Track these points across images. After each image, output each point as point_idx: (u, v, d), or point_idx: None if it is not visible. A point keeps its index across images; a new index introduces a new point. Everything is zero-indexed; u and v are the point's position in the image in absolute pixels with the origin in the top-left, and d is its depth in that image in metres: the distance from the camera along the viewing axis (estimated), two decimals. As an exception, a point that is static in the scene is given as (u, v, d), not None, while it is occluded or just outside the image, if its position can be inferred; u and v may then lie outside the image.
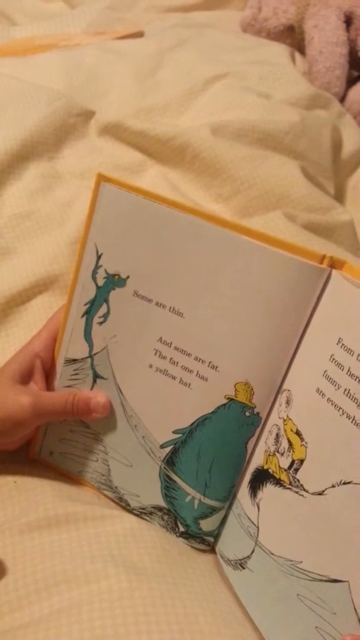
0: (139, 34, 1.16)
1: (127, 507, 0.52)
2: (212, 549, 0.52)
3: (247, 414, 0.46)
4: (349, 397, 0.38)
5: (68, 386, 0.53)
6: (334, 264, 0.42)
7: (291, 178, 0.76)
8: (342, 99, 1.04)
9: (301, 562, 0.41)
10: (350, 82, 1.06)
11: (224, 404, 0.46)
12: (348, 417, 0.38)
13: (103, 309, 0.50)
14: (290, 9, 1.11)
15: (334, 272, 0.42)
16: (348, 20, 1.05)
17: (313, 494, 0.41)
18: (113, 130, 0.85)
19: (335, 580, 0.39)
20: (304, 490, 0.41)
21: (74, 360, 0.52)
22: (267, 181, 0.76)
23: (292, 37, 1.13)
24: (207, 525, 0.50)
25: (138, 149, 0.84)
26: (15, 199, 0.74)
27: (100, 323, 0.50)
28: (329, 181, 0.85)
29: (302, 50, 1.11)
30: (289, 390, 0.44)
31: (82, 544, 0.47)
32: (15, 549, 0.47)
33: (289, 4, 1.12)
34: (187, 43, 1.03)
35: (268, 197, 0.75)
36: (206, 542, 0.51)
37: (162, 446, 0.50)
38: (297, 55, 1.10)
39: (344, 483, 0.38)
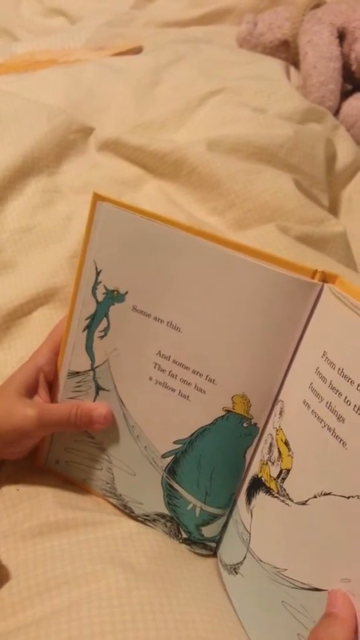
0: (138, 49, 1.18)
1: (131, 514, 0.53)
2: (214, 553, 0.53)
3: (245, 425, 0.47)
4: (330, 410, 0.39)
5: (71, 398, 0.54)
6: (326, 278, 0.42)
7: (285, 191, 0.77)
8: (336, 112, 1.05)
9: (286, 569, 0.42)
10: (344, 95, 1.08)
11: (222, 416, 0.47)
12: (329, 429, 0.38)
13: (103, 324, 0.51)
14: (284, 24, 1.13)
15: (326, 286, 0.42)
16: (341, 36, 1.06)
17: (297, 503, 0.41)
18: (112, 145, 0.86)
19: (316, 589, 0.39)
20: (289, 499, 0.42)
21: (77, 373, 0.53)
22: (262, 194, 0.77)
23: (287, 51, 1.14)
24: (208, 531, 0.51)
25: (136, 164, 0.85)
26: (16, 213, 0.76)
27: (101, 337, 0.51)
28: (324, 193, 0.86)
29: (297, 65, 1.12)
30: (282, 401, 0.45)
31: (82, 547, 0.48)
32: (18, 554, 0.48)
33: (284, 20, 1.14)
34: (184, 59, 1.05)
35: (262, 210, 0.76)
36: (208, 548, 0.52)
37: (163, 456, 0.51)
38: (292, 69, 1.12)
39: (325, 494, 0.39)
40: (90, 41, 1.25)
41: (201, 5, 1.32)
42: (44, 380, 0.54)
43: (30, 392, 0.53)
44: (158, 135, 0.90)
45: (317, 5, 1.12)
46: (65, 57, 1.15)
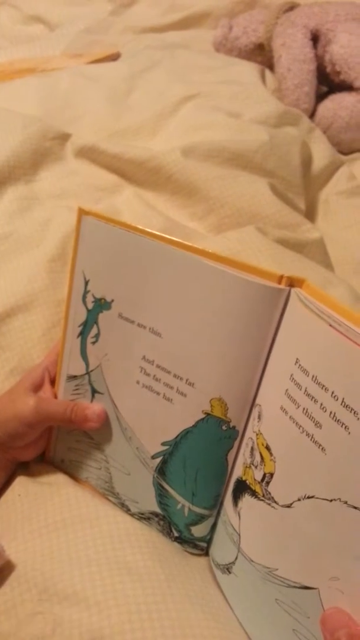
0: (116, 55, 1.19)
1: (128, 512, 0.55)
2: (206, 552, 0.54)
3: (224, 427, 0.48)
4: (307, 417, 0.39)
5: (71, 400, 0.57)
6: (293, 282, 0.43)
7: (260, 197, 0.78)
8: (312, 115, 1.06)
9: (277, 569, 0.43)
10: (320, 97, 1.08)
11: (202, 419, 0.49)
12: (307, 435, 0.39)
13: (94, 330, 0.54)
14: (259, 27, 1.14)
15: (293, 291, 0.43)
16: (315, 38, 1.07)
17: (282, 506, 0.42)
18: (88, 153, 0.87)
19: (306, 587, 0.40)
20: (275, 502, 0.42)
21: (75, 377, 0.56)
22: (238, 200, 0.78)
23: (263, 55, 1.15)
24: (198, 531, 0.53)
25: (113, 171, 0.86)
26: (-7, 222, 0.76)
27: (93, 343, 0.54)
28: (300, 197, 0.87)
29: (272, 68, 1.13)
30: (260, 405, 0.46)
31: (79, 549, 0.50)
32: (19, 556, 0.50)
33: (258, 23, 1.14)
34: (159, 65, 1.05)
35: (240, 215, 0.78)
36: (199, 547, 0.53)
37: (153, 457, 0.52)
38: (268, 72, 1.13)
39: (308, 497, 0.39)
40: (69, 48, 1.26)
41: (178, 10, 1.33)
42: (48, 379, 0.58)
43: (37, 388, 0.58)
44: (134, 142, 0.90)
45: (291, 8, 1.13)
46: (43, 65, 1.15)
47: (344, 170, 0.99)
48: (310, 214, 0.91)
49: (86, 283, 0.53)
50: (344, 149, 1.04)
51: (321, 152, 0.98)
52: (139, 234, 0.49)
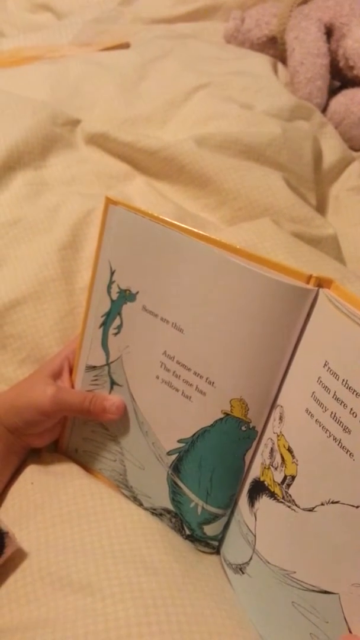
0: (125, 46, 1.18)
1: (140, 506, 0.55)
2: (217, 551, 0.54)
3: (243, 428, 0.47)
4: (336, 421, 0.38)
5: (89, 391, 0.56)
6: (321, 282, 0.43)
7: (275, 189, 0.77)
8: (324, 109, 1.05)
9: (295, 572, 0.42)
10: (332, 92, 1.08)
11: (221, 419, 0.48)
12: (335, 439, 0.38)
13: (117, 321, 0.53)
14: (272, 20, 1.13)
15: (321, 292, 0.42)
16: (328, 32, 1.06)
17: (304, 509, 0.41)
18: (99, 140, 0.86)
19: (326, 592, 0.40)
20: (296, 505, 0.42)
21: (94, 367, 0.56)
22: (252, 192, 0.77)
23: (275, 48, 1.14)
24: (210, 530, 0.52)
25: (124, 159, 0.85)
26: (2, 207, 0.75)
27: (115, 334, 0.54)
28: (311, 192, 0.87)
29: (284, 61, 1.12)
30: (281, 407, 0.45)
31: (94, 540, 0.49)
32: (31, 544, 0.49)
33: (271, 16, 1.14)
34: (171, 54, 1.05)
35: (253, 208, 0.77)
36: (211, 546, 0.53)
37: (168, 453, 0.52)
38: (280, 66, 1.12)
39: (332, 502, 0.39)
40: (77, 38, 1.24)
41: (189, 2, 1.32)
42: (67, 368, 0.58)
43: (56, 376, 0.57)
44: (144, 130, 0.89)
45: (305, 2, 1.12)
46: (51, 53, 1.14)
47: (355, 166, 0.98)
48: (320, 210, 0.90)
49: (112, 273, 0.52)
50: (355, 145, 1.04)
51: (332, 148, 0.97)
52: (168, 226, 0.48)
